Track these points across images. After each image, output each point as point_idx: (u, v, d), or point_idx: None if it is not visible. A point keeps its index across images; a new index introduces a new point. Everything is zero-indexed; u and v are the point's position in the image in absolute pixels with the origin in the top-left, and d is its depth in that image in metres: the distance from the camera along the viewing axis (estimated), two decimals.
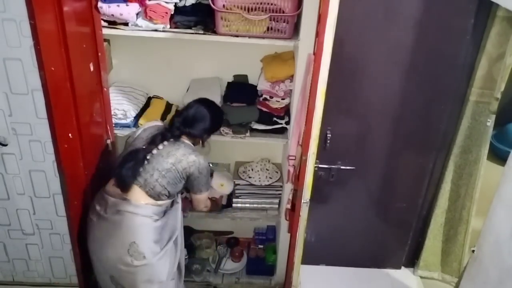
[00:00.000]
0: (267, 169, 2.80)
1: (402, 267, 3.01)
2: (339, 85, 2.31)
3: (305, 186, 2.09)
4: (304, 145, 1.98)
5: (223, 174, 2.80)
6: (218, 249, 3.04)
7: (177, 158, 2.01)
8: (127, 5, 2.14)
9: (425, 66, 2.31)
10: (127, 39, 2.27)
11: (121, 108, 2.45)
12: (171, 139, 2.06)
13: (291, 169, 2.29)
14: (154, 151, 2.02)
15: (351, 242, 2.90)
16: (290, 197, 2.31)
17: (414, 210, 2.78)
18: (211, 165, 2.91)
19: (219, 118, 2.28)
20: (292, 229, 2.23)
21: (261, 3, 2.12)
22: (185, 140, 2.11)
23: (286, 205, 2.40)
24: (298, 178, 2.09)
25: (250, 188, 2.73)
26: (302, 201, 2.12)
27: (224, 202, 2.77)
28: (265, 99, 2.49)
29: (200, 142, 2.21)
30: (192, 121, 2.12)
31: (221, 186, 2.71)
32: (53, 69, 1.85)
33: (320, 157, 2.44)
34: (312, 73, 1.83)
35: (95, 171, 2.25)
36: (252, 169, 2.79)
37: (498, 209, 1.68)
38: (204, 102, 2.19)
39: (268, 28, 2.20)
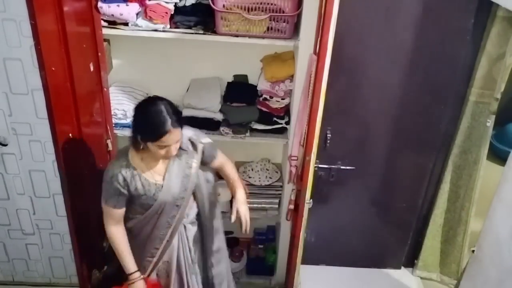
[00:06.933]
0: (267, 169, 2.80)
1: (402, 267, 3.01)
2: (339, 85, 2.31)
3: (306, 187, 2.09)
4: (307, 145, 1.98)
5: (218, 183, 2.77)
6: None
7: None
8: (127, 5, 2.14)
9: (425, 66, 2.31)
10: (127, 39, 2.27)
11: (121, 108, 2.45)
12: None
13: (293, 170, 2.28)
14: None
15: (351, 242, 2.90)
16: (292, 198, 2.31)
17: (414, 210, 2.78)
18: None
19: (136, 121, 1.76)
20: (296, 230, 2.22)
21: (261, 3, 2.12)
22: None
23: (288, 205, 2.40)
24: (301, 179, 2.09)
25: (250, 188, 2.72)
26: (306, 201, 2.12)
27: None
28: (265, 99, 2.49)
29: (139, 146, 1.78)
30: None
31: (218, 196, 2.69)
32: (53, 69, 1.85)
33: (320, 157, 2.43)
34: (315, 72, 1.83)
35: (95, 171, 2.25)
36: (252, 169, 2.79)
37: (498, 209, 1.68)
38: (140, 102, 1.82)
39: (268, 28, 2.20)
